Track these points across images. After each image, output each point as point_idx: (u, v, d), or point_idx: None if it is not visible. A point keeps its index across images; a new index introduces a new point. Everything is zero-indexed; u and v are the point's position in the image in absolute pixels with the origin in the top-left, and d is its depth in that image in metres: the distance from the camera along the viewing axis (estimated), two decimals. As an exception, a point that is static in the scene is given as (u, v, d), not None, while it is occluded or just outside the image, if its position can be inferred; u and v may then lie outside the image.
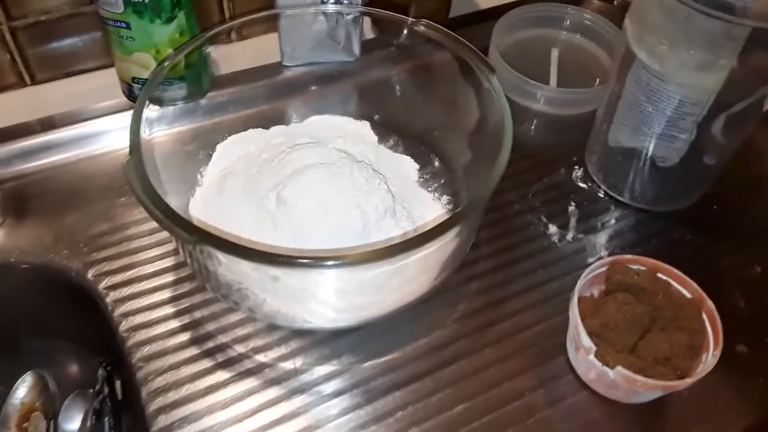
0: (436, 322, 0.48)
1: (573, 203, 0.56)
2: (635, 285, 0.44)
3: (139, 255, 0.50)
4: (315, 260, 0.37)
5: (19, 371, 0.55)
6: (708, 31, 0.42)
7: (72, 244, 0.50)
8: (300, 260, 0.37)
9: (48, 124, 0.57)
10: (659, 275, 0.45)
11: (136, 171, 0.39)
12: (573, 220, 0.55)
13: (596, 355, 0.41)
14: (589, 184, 0.57)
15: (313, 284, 0.42)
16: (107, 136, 0.58)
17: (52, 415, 0.53)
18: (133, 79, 0.56)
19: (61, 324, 0.56)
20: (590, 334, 0.41)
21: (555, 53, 0.69)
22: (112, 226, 0.52)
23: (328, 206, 0.47)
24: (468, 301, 0.49)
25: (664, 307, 0.43)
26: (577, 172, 0.58)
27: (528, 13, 0.70)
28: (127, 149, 0.40)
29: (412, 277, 0.44)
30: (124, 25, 0.52)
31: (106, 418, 0.54)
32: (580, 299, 0.43)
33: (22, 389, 0.55)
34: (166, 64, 0.46)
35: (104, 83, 0.60)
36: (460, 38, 0.50)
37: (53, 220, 0.52)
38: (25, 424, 0.52)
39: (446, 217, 0.52)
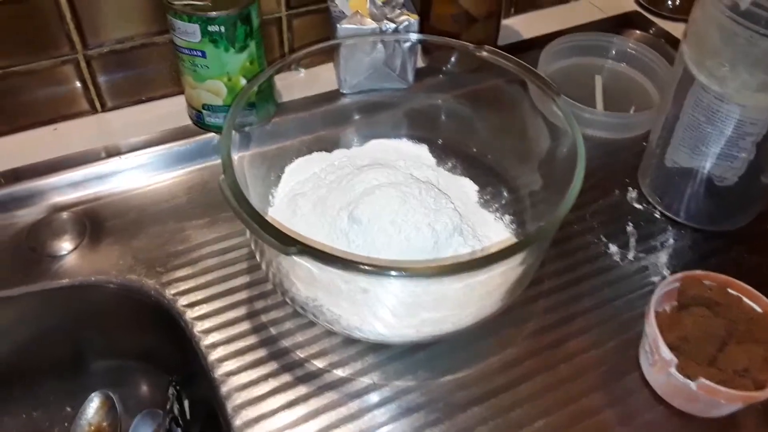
0: (506, 339, 0.49)
1: (630, 224, 0.57)
2: (709, 299, 0.45)
3: (214, 273, 0.51)
4: (434, 269, 0.40)
5: (87, 392, 0.56)
6: (770, 52, 0.44)
7: (148, 264, 0.52)
8: (411, 271, 0.39)
9: (116, 150, 0.59)
10: (730, 290, 0.46)
11: (230, 187, 0.40)
12: (632, 240, 0.56)
13: (677, 368, 0.41)
14: (645, 205, 0.59)
15: (407, 295, 0.43)
16: (174, 162, 0.59)
17: (120, 435, 0.54)
18: (204, 105, 0.58)
19: (130, 343, 0.57)
20: (669, 348, 0.42)
21: (599, 80, 0.71)
22: (186, 246, 0.53)
23: (400, 224, 0.48)
24: (537, 319, 0.50)
25: (738, 320, 0.44)
26: (632, 194, 0.60)
27: (572, 41, 0.72)
28: (200, 172, 0.42)
29: (486, 293, 0.45)
30: (199, 53, 0.54)
31: (176, 437, 0.54)
32: (654, 314, 0.44)
33: (90, 410, 0.56)
34: (249, 89, 0.48)
35: (170, 111, 0.63)
36: (524, 63, 0.52)
37: (128, 241, 0.54)
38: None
39: (512, 236, 0.54)
